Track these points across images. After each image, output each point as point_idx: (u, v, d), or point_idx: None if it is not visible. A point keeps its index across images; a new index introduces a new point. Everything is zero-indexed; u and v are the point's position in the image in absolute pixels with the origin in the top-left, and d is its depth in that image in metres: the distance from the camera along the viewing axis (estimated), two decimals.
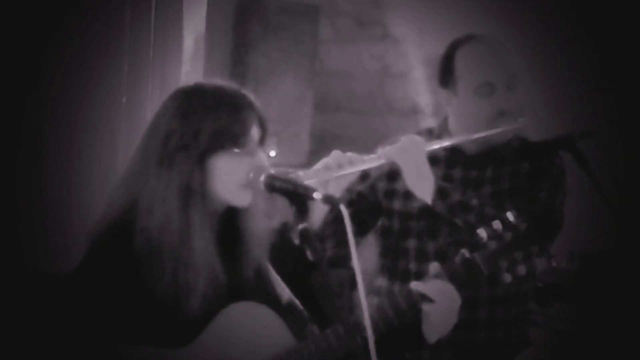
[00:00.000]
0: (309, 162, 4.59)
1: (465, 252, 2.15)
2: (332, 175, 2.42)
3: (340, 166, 2.44)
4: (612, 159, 2.58)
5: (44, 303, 2.89)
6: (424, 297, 2.11)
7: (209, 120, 2.05)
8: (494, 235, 2.14)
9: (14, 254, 2.99)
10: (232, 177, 2.07)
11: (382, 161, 2.51)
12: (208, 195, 2.07)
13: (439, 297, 2.12)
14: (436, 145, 2.59)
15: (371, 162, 2.50)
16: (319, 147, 4.80)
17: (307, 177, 2.36)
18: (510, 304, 2.71)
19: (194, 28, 3.75)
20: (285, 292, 2.22)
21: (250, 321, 2.08)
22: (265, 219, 2.16)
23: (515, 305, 2.73)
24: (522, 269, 2.15)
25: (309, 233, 2.03)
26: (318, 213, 2.42)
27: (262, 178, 2.08)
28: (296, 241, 2.15)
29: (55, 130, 3.07)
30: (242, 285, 2.14)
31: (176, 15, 3.54)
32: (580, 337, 3.78)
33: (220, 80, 2.17)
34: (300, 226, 2.02)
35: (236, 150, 2.06)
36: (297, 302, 2.22)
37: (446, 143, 2.62)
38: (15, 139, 2.99)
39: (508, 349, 2.74)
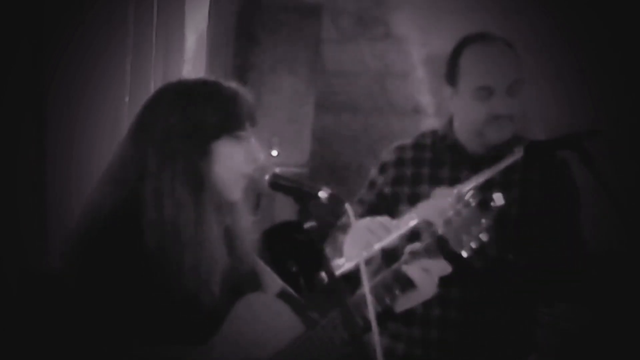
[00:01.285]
0: (311, 161, 4.61)
1: (435, 229, 2.26)
2: (376, 251, 2.45)
3: (376, 236, 2.45)
4: (619, 158, 2.58)
5: (44, 303, 2.88)
6: (410, 281, 2.20)
7: (210, 109, 2.08)
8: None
9: (14, 253, 2.98)
10: (234, 163, 2.10)
11: (416, 221, 2.49)
12: (214, 184, 2.09)
13: (423, 277, 2.21)
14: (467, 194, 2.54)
15: (406, 224, 2.48)
16: (321, 146, 4.81)
17: (350, 259, 2.43)
18: (514, 306, 2.71)
19: (196, 27, 3.75)
20: (277, 281, 2.27)
21: (264, 311, 2.12)
22: (247, 219, 2.21)
23: (519, 308, 2.72)
24: (474, 244, 2.25)
25: (314, 233, 2.05)
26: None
27: (267, 177, 2.11)
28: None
29: (58, 129, 3.06)
30: (237, 278, 2.16)
31: (178, 14, 3.54)
32: (584, 337, 3.78)
33: (200, 75, 2.23)
34: (306, 225, 2.03)
35: (240, 132, 2.10)
36: (290, 290, 2.26)
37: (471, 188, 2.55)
38: (16, 138, 2.97)
39: (512, 352, 2.73)
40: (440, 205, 2.47)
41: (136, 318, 1.99)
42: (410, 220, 2.49)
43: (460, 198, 2.29)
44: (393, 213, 2.71)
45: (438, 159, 2.72)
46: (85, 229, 2.07)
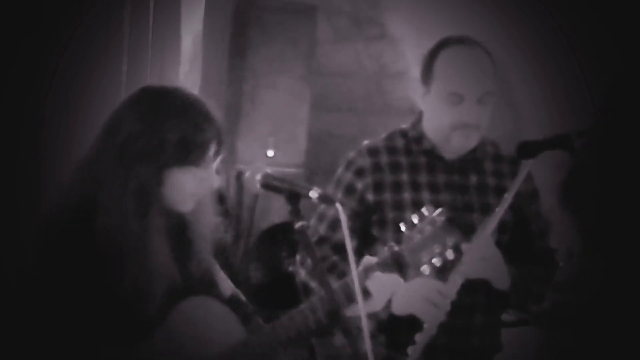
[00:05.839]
0: (307, 161, 4.63)
1: (393, 244, 2.24)
2: (448, 306, 2.50)
3: (443, 295, 2.50)
4: (610, 157, 2.59)
5: (42, 303, 2.89)
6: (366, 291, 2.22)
7: (174, 130, 2.09)
8: (412, 228, 2.24)
9: (14, 253, 3.00)
10: (182, 190, 2.13)
11: (461, 281, 2.53)
12: (163, 200, 2.13)
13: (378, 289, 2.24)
14: (492, 224, 2.56)
15: (456, 286, 2.52)
16: (317, 146, 4.82)
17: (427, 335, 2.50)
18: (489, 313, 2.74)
19: (192, 28, 3.76)
20: (229, 286, 2.31)
21: (205, 314, 2.16)
22: (211, 219, 2.23)
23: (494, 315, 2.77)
24: (437, 261, 2.24)
25: (305, 232, 2.07)
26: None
27: (258, 177, 2.13)
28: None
29: (55, 130, 3.07)
30: (189, 282, 2.20)
31: (174, 16, 3.54)
32: (579, 337, 3.78)
33: (182, 87, 2.25)
34: (297, 225, 2.05)
35: (194, 168, 2.12)
36: (241, 295, 2.30)
37: None
38: (14, 139, 2.99)
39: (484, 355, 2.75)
40: (483, 255, 2.53)
41: (78, 316, 2.03)
42: (457, 281, 2.51)
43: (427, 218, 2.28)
44: (380, 221, 2.69)
45: (414, 164, 2.70)
46: (47, 222, 2.12)
